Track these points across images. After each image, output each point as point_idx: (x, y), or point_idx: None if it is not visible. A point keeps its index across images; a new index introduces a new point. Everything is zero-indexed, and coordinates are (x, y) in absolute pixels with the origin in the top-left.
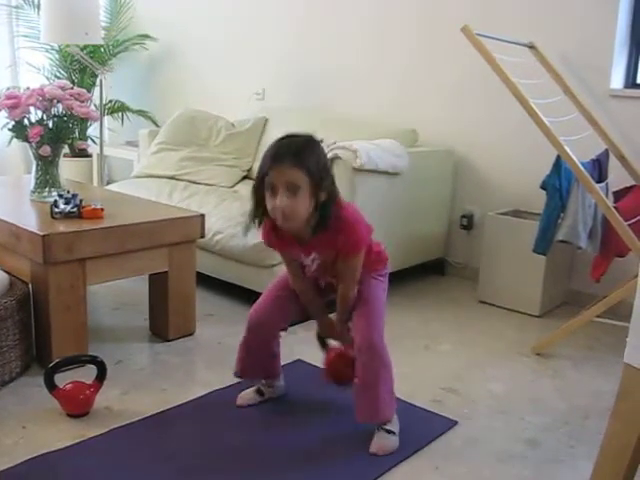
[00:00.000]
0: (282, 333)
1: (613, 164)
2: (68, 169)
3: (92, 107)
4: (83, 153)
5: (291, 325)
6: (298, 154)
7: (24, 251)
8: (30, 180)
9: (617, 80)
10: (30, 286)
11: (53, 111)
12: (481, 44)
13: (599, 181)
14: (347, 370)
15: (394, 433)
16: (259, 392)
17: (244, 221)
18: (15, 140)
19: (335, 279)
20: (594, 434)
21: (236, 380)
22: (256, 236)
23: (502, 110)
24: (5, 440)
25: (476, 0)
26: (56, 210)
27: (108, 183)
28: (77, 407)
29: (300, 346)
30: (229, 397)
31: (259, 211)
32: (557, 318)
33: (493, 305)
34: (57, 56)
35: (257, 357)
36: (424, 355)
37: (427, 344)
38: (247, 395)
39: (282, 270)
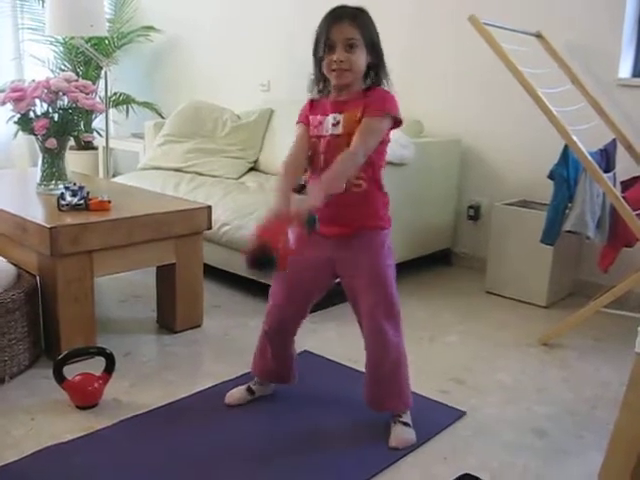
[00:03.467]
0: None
1: (621, 154)
2: (74, 162)
3: (97, 99)
4: (89, 146)
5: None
6: (355, 16)
7: (31, 244)
8: (36, 173)
9: (625, 69)
10: (38, 278)
11: (59, 103)
12: (488, 33)
13: (607, 171)
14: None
15: (410, 426)
16: (249, 390)
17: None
18: (21, 133)
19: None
20: (602, 424)
21: (243, 371)
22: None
23: (509, 100)
24: (14, 432)
25: None
26: (63, 202)
27: (114, 176)
28: (86, 399)
29: (306, 338)
30: None
31: (317, 74)
32: (564, 309)
33: (500, 296)
34: (62, 48)
35: (280, 363)
36: (431, 346)
37: (434, 335)
38: (237, 394)
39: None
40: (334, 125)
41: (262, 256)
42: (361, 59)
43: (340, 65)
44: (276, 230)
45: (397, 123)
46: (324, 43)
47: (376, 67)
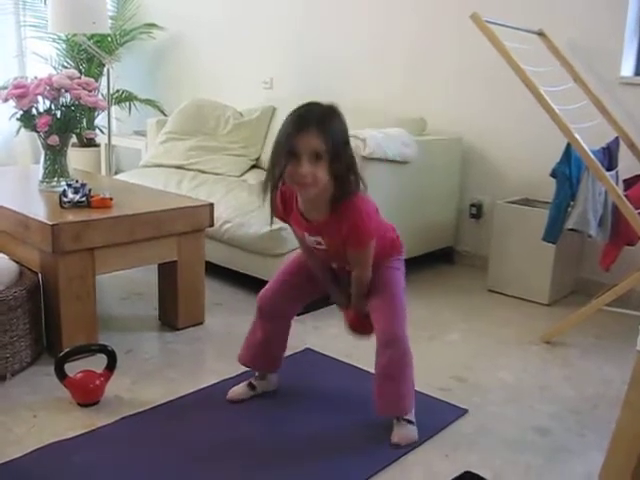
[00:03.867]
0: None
1: (623, 152)
2: (76, 159)
3: (100, 97)
4: (91, 143)
5: (303, 312)
6: (322, 122)
7: (33, 241)
8: (38, 170)
9: (628, 67)
10: (40, 276)
11: (61, 100)
12: (490, 31)
13: (609, 169)
14: (367, 324)
15: (413, 423)
16: (251, 386)
17: (259, 192)
18: (23, 130)
19: (347, 265)
20: (604, 423)
21: (244, 369)
22: (265, 225)
23: (511, 98)
24: (16, 429)
25: None
26: (65, 199)
27: (116, 173)
28: (87, 396)
29: (309, 335)
30: None
31: (272, 181)
32: (566, 307)
33: (502, 294)
34: (64, 46)
35: (268, 347)
36: (433, 344)
37: (436, 333)
38: (238, 390)
39: (292, 254)
40: (318, 244)
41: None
42: (325, 172)
43: (304, 179)
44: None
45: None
46: (288, 149)
47: (343, 175)
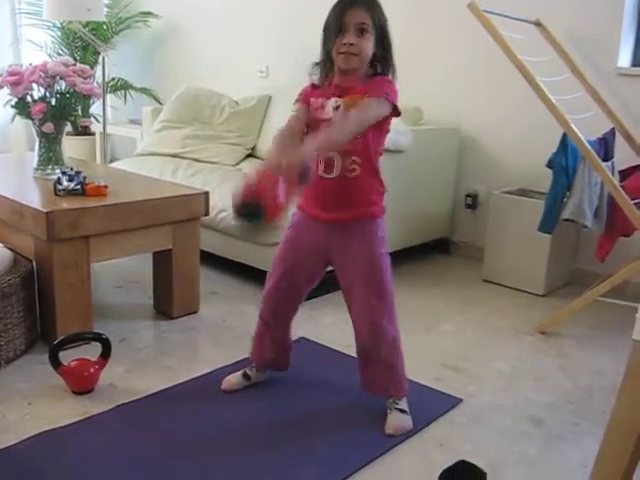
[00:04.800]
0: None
1: (619, 143)
2: (71, 147)
3: (95, 84)
4: (86, 131)
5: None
6: (369, 3)
7: (28, 228)
8: (33, 157)
9: (625, 58)
10: (34, 263)
11: (56, 88)
12: (488, 21)
13: (605, 160)
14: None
15: (407, 412)
16: (245, 376)
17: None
18: (18, 117)
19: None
20: (598, 413)
21: (239, 357)
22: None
23: (508, 88)
24: (11, 416)
25: None
26: (60, 187)
27: (111, 161)
28: (82, 384)
29: (303, 324)
30: None
31: (325, 59)
32: (562, 297)
33: (498, 284)
34: (59, 33)
35: (277, 351)
36: (428, 334)
37: (431, 323)
38: (233, 379)
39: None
40: (335, 109)
41: (249, 205)
42: (369, 45)
43: (349, 49)
44: (266, 180)
45: (396, 112)
46: (336, 25)
47: (383, 57)
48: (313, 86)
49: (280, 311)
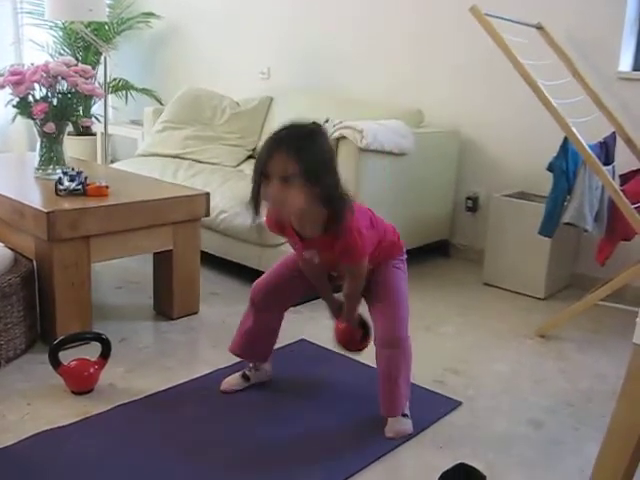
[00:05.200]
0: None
1: (620, 147)
2: (72, 147)
3: (96, 85)
4: (87, 132)
5: (299, 303)
6: (294, 146)
7: (29, 228)
8: (34, 157)
9: (626, 63)
10: (34, 263)
11: (58, 88)
12: (489, 24)
13: (606, 164)
14: (355, 339)
15: (408, 416)
16: (245, 377)
17: (247, 204)
18: (19, 117)
19: (340, 275)
20: (598, 416)
21: (239, 359)
22: (260, 215)
23: (509, 91)
24: (10, 416)
25: None
26: (61, 187)
27: (112, 162)
28: (81, 384)
29: (304, 326)
30: None
31: (257, 197)
32: (562, 301)
33: (498, 287)
34: (61, 33)
35: (258, 337)
36: (428, 337)
37: (431, 325)
38: (232, 380)
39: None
40: (312, 256)
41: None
42: (296, 197)
43: (274, 202)
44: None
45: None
46: (261, 172)
47: (330, 198)
48: (276, 217)
49: (273, 294)
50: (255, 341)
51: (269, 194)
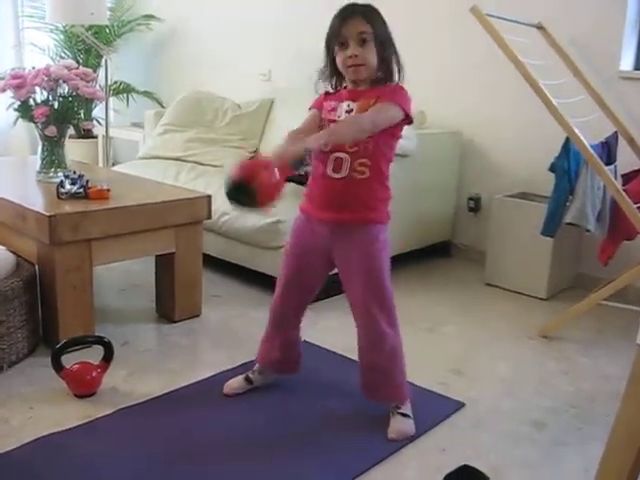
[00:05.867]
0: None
1: (622, 147)
2: (74, 150)
3: (97, 88)
4: (89, 134)
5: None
6: (366, 12)
7: (30, 232)
8: (36, 161)
9: (627, 62)
10: (37, 267)
11: (59, 91)
12: (490, 25)
13: (608, 164)
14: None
15: (410, 417)
16: (248, 380)
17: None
18: (21, 120)
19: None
20: (601, 417)
21: (242, 361)
22: (262, 218)
23: (510, 92)
24: (13, 420)
25: None
26: (62, 190)
27: (113, 165)
28: (84, 387)
29: (306, 328)
30: None
31: (331, 70)
32: (564, 301)
33: (500, 288)
34: (62, 36)
35: (287, 351)
36: (430, 337)
37: (433, 326)
38: (235, 383)
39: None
40: (347, 112)
41: (241, 184)
42: (373, 54)
43: (355, 61)
44: (259, 163)
45: (408, 120)
46: (337, 38)
47: (389, 61)
48: (326, 94)
49: (289, 312)
50: (287, 356)
51: (350, 54)
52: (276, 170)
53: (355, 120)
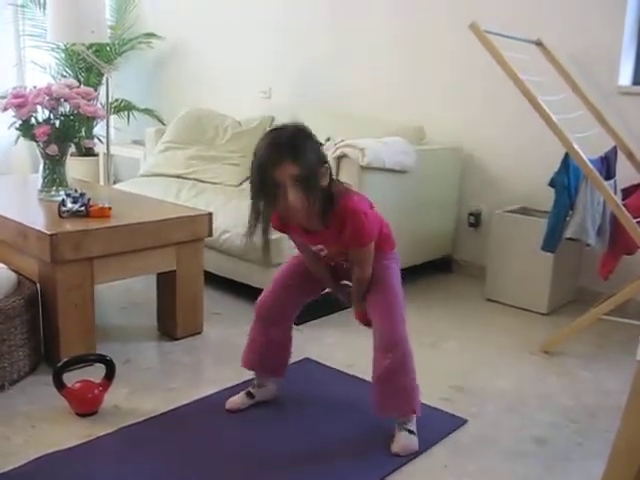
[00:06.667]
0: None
1: (621, 161)
2: (75, 168)
3: (98, 106)
4: (90, 152)
5: (306, 320)
6: (295, 148)
7: (32, 250)
8: (37, 179)
9: (625, 77)
10: (38, 285)
11: (60, 110)
12: (489, 41)
13: (607, 178)
14: None
15: (415, 434)
16: (249, 395)
17: (246, 228)
18: (22, 139)
19: (347, 262)
20: (603, 432)
21: (244, 378)
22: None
23: (509, 107)
24: (14, 439)
25: None
26: (64, 209)
27: (114, 182)
28: (86, 406)
29: (308, 345)
30: None
31: (265, 212)
32: (565, 316)
33: (500, 303)
34: (63, 55)
35: (269, 351)
36: (431, 353)
37: (434, 342)
38: (237, 399)
39: (288, 258)
40: (320, 250)
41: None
42: (300, 198)
43: (296, 205)
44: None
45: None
46: (270, 183)
47: (328, 188)
48: (279, 216)
49: (278, 311)
50: (267, 355)
51: (290, 201)
52: None
53: (366, 277)
